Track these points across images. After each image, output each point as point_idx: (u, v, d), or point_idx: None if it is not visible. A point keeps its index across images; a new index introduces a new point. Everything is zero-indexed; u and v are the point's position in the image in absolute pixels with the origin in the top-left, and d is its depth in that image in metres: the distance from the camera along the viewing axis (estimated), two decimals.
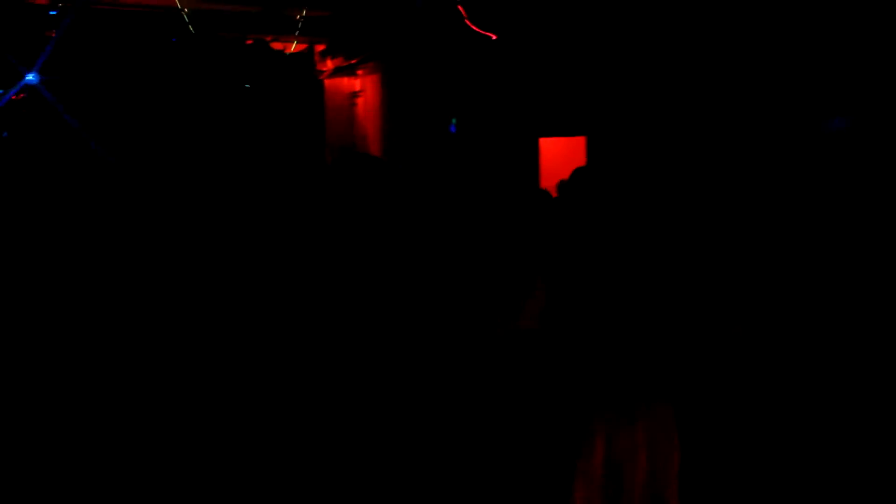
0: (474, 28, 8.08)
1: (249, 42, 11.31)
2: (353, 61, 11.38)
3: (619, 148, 6.39)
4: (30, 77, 9.79)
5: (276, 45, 11.47)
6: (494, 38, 7.82)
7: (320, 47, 11.81)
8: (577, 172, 3.62)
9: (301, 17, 10.18)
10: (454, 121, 9.17)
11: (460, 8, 8.21)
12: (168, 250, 3.61)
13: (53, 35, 9.73)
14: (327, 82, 12.13)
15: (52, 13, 9.47)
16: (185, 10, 9.46)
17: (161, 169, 9.33)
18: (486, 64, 8.34)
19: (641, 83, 6.15)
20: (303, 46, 11.73)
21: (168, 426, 2.99)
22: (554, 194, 3.68)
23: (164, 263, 3.49)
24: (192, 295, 3.31)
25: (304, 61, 11.74)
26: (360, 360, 2.94)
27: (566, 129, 7.20)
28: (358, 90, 12.11)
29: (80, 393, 3.02)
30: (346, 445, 2.83)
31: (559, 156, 7.28)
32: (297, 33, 11.16)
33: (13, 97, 9.82)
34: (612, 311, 2.64)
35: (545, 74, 7.37)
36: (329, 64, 11.88)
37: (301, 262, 3.25)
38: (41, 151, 9.18)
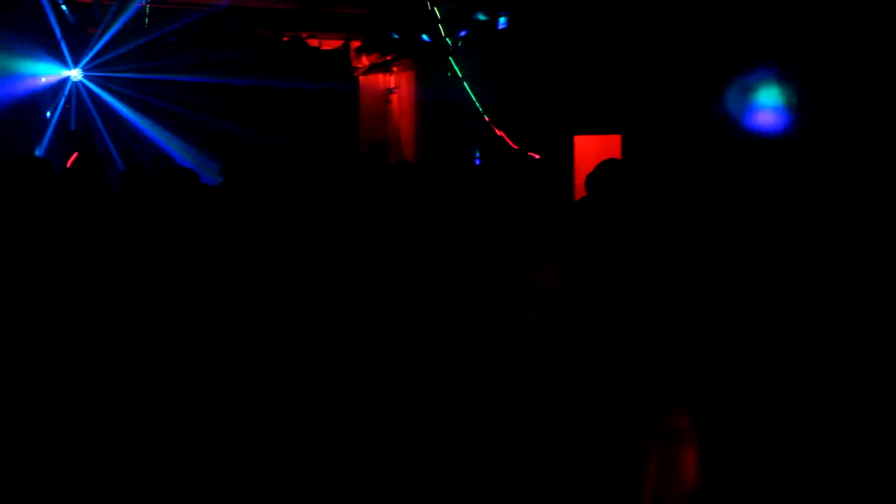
0: (517, 148, 8.21)
1: (286, 39, 11.43)
2: (388, 58, 11.45)
3: (655, 146, 6.38)
4: (74, 73, 10.01)
5: (313, 42, 11.58)
6: (538, 157, 7.94)
7: (356, 44, 11.90)
8: (606, 165, 3.59)
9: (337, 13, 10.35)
10: (477, 153, 9.33)
11: (502, 133, 8.36)
12: (195, 239, 3.63)
13: (96, 32, 9.93)
14: (362, 79, 12.22)
15: (95, 11, 9.65)
16: None
17: (197, 163, 9.46)
18: (521, 59, 8.37)
19: (679, 79, 6.13)
20: (339, 43, 11.83)
21: (172, 423, 2.99)
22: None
23: (192, 252, 3.51)
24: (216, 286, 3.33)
25: (340, 58, 11.84)
26: (369, 357, 2.94)
27: (602, 127, 7.19)
28: (393, 87, 12.19)
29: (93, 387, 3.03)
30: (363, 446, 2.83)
31: (594, 154, 7.26)
32: (333, 30, 11.28)
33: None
34: (626, 304, 2.59)
35: (581, 69, 7.36)
36: (365, 61, 11.97)
37: (327, 257, 3.26)
38: (84, 144, 9.34)
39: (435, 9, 9.50)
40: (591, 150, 7.38)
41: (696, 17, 5.93)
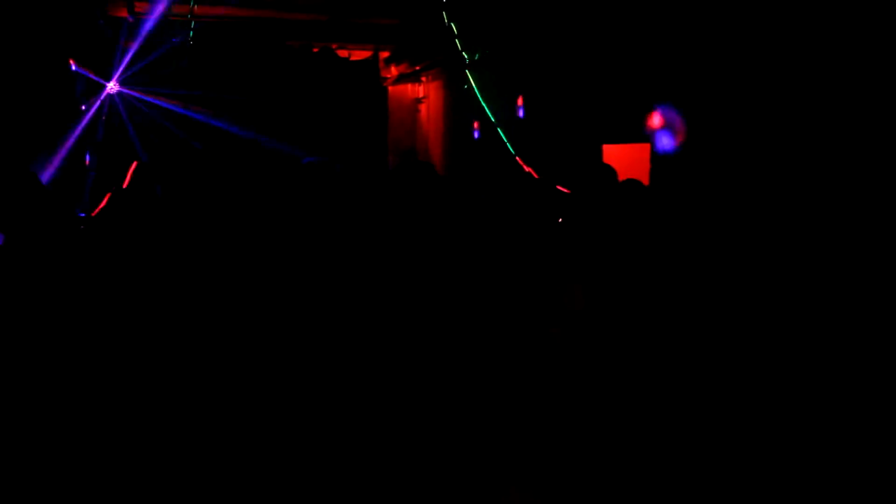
0: (524, 166, 8.28)
1: (316, 50, 11.56)
2: (417, 68, 11.53)
3: (682, 157, 6.36)
4: (110, 87, 10.19)
5: (342, 53, 11.70)
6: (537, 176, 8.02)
7: (385, 54, 12.00)
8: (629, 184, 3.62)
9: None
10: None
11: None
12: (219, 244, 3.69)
13: (131, 46, 10.11)
14: (391, 88, 12.31)
15: (129, 21, 9.83)
16: None
17: (227, 174, 9.57)
18: (549, 67, 8.38)
19: (710, 86, 6.10)
20: (368, 53, 11.94)
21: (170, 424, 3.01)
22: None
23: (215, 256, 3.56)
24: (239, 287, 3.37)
25: (370, 68, 11.94)
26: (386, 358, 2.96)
27: (631, 135, 7.15)
28: (421, 96, 12.27)
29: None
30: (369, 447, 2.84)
31: (623, 163, 7.22)
32: (363, 41, 11.39)
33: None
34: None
35: (609, 77, 7.35)
36: (393, 70, 12.06)
37: (356, 261, 3.30)
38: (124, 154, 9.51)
39: (452, 24, 9.56)
40: (620, 158, 7.34)
41: (721, 24, 5.90)
